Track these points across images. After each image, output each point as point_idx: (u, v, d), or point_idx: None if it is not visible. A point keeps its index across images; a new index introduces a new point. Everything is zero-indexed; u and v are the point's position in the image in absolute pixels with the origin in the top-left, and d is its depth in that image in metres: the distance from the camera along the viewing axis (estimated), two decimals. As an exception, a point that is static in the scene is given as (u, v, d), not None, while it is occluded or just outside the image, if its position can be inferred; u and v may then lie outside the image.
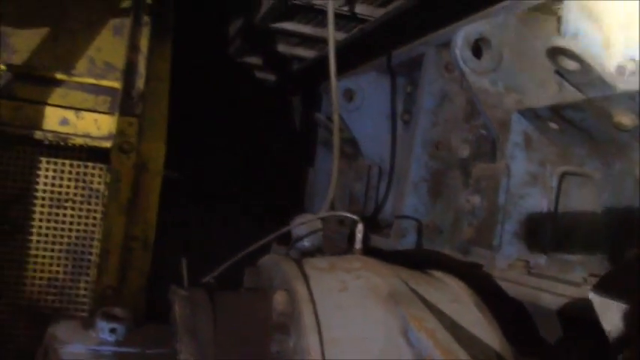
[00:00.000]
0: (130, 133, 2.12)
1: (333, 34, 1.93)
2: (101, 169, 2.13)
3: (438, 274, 1.39)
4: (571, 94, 1.57)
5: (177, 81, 2.38)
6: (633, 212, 1.57)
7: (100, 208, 2.15)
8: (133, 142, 2.13)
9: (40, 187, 2.14)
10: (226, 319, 1.20)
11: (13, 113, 2.07)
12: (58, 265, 2.14)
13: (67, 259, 2.12)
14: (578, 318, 1.41)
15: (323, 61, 2.91)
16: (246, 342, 1.15)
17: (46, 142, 2.12)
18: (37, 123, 2.07)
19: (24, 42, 2.11)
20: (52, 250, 2.16)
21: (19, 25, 2.06)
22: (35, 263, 2.13)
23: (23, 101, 2.08)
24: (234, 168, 3.83)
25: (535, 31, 1.77)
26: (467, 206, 2.04)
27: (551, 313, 1.51)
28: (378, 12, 2.36)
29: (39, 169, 2.11)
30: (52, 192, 2.14)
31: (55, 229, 2.14)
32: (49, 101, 2.11)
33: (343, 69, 2.39)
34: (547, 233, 1.73)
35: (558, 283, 1.54)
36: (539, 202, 1.74)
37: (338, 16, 2.27)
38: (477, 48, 1.79)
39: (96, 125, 2.10)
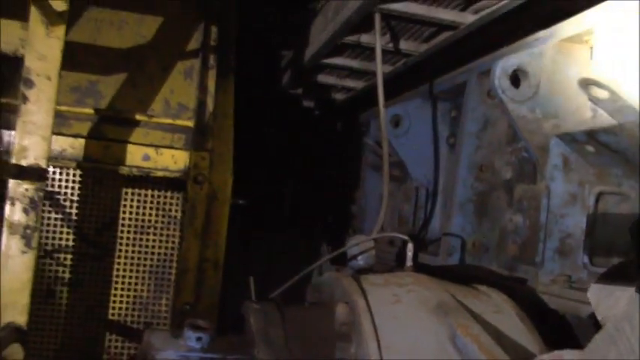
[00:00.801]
0: (202, 166, 2.36)
1: (380, 69, 2.08)
2: (178, 198, 2.36)
3: (483, 288, 1.52)
4: (604, 120, 1.67)
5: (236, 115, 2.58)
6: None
7: (177, 233, 2.38)
8: (205, 174, 2.36)
9: (127, 215, 2.40)
10: (295, 328, 1.36)
11: (103, 151, 2.34)
12: (143, 285, 2.38)
13: (150, 279, 2.37)
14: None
15: (368, 90, 3.04)
16: (313, 348, 1.32)
17: (131, 176, 2.38)
18: (123, 159, 2.34)
19: (109, 88, 2.38)
20: (137, 272, 2.41)
21: (105, 73, 2.33)
22: (123, 283, 2.38)
23: (111, 141, 2.36)
24: (291, 193, 3.97)
25: (569, 61, 1.83)
26: (510, 225, 2.10)
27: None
28: (422, 47, 2.47)
29: (125, 199, 2.37)
30: (136, 220, 2.39)
31: (140, 252, 2.40)
32: (133, 140, 2.37)
33: (390, 97, 2.49)
34: (587, 250, 1.81)
35: (598, 296, 1.63)
36: (578, 220, 1.82)
37: (384, 51, 2.38)
38: (515, 77, 1.87)
39: (173, 160, 2.35)
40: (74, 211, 2.44)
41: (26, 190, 1.82)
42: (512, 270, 2.05)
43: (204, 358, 1.31)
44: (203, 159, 2.37)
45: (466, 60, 2.44)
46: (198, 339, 1.33)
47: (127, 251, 2.46)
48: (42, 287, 2.46)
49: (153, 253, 2.44)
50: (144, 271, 2.41)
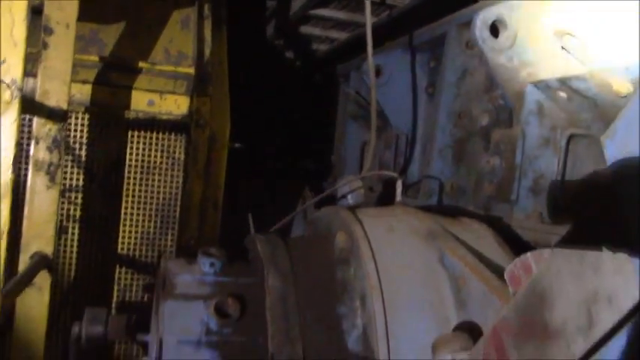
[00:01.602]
0: (204, 110, 2.47)
1: (370, 20, 2.15)
2: (181, 141, 2.46)
3: (466, 219, 1.68)
4: (576, 67, 1.80)
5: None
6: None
7: (181, 174, 2.50)
8: (206, 118, 2.46)
9: (133, 157, 2.50)
10: (298, 255, 1.50)
11: (110, 97, 2.43)
12: (150, 222, 2.51)
13: (156, 216, 2.49)
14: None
15: (350, 42, 3.10)
16: (317, 271, 1.46)
17: (137, 120, 2.48)
18: (129, 104, 2.43)
19: (109, 37, 2.44)
20: (144, 209, 2.53)
21: (104, 22, 2.39)
22: (131, 220, 2.50)
23: (117, 87, 2.44)
24: (276, 140, 4.06)
25: (545, 11, 1.91)
26: (487, 167, 2.19)
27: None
28: (406, -1, 2.53)
29: (132, 142, 2.47)
30: (142, 161, 2.50)
31: (146, 191, 2.51)
32: (137, 86, 2.46)
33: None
34: (558, 188, 1.96)
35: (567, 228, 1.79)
36: (551, 161, 1.95)
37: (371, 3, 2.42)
38: (494, 28, 1.96)
39: (176, 104, 2.45)
40: (84, 153, 2.54)
41: (49, 129, 1.93)
42: (487, 210, 2.17)
43: (219, 281, 1.45)
44: (204, 104, 2.48)
45: (446, 11, 2.51)
46: (212, 264, 1.46)
47: (134, 190, 2.59)
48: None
49: (159, 192, 2.57)
50: (150, 209, 2.55)
